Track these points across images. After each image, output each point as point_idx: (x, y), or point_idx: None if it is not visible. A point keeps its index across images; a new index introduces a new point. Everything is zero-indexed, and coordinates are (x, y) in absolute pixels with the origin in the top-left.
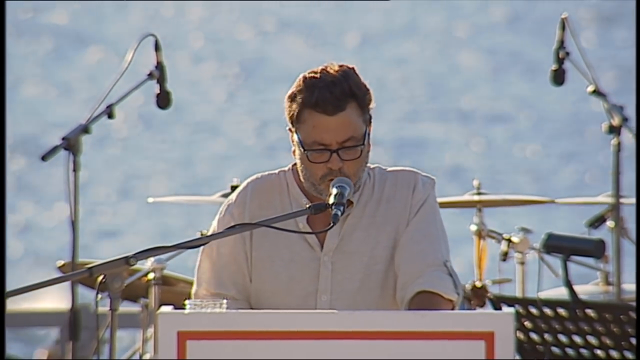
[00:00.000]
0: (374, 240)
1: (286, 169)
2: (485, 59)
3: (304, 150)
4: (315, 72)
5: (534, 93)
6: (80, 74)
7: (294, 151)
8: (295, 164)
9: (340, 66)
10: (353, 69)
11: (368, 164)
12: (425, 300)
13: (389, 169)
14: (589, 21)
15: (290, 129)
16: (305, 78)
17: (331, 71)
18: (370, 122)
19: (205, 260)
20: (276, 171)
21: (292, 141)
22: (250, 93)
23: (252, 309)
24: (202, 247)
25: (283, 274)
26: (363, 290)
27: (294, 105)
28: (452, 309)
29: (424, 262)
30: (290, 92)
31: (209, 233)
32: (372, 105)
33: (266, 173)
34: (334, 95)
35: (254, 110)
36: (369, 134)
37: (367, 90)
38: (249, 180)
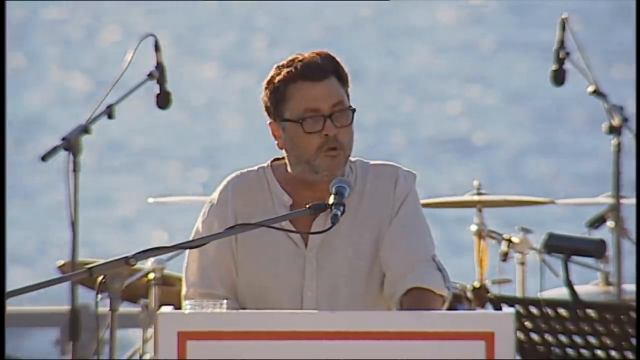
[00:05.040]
0: (357, 235)
1: (265, 165)
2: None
3: (298, 122)
4: (290, 59)
5: None
6: None
7: (277, 144)
8: (274, 160)
9: (313, 51)
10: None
11: (350, 157)
12: (417, 297)
13: (371, 162)
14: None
15: (271, 123)
16: (281, 64)
17: (305, 54)
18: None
19: (192, 261)
20: (255, 168)
21: (275, 134)
22: None
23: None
24: (188, 250)
25: (269, 271)
26: (348, 285)
27: (277, 86)
28: (443, 303)
29: (412, 258)
30: (267, 79)
31: (192, 234)
32: (350, 87)
33: (245, 170)
34: (317, 64)
35: None
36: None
37: (345, 71)
38: (228, 178)
